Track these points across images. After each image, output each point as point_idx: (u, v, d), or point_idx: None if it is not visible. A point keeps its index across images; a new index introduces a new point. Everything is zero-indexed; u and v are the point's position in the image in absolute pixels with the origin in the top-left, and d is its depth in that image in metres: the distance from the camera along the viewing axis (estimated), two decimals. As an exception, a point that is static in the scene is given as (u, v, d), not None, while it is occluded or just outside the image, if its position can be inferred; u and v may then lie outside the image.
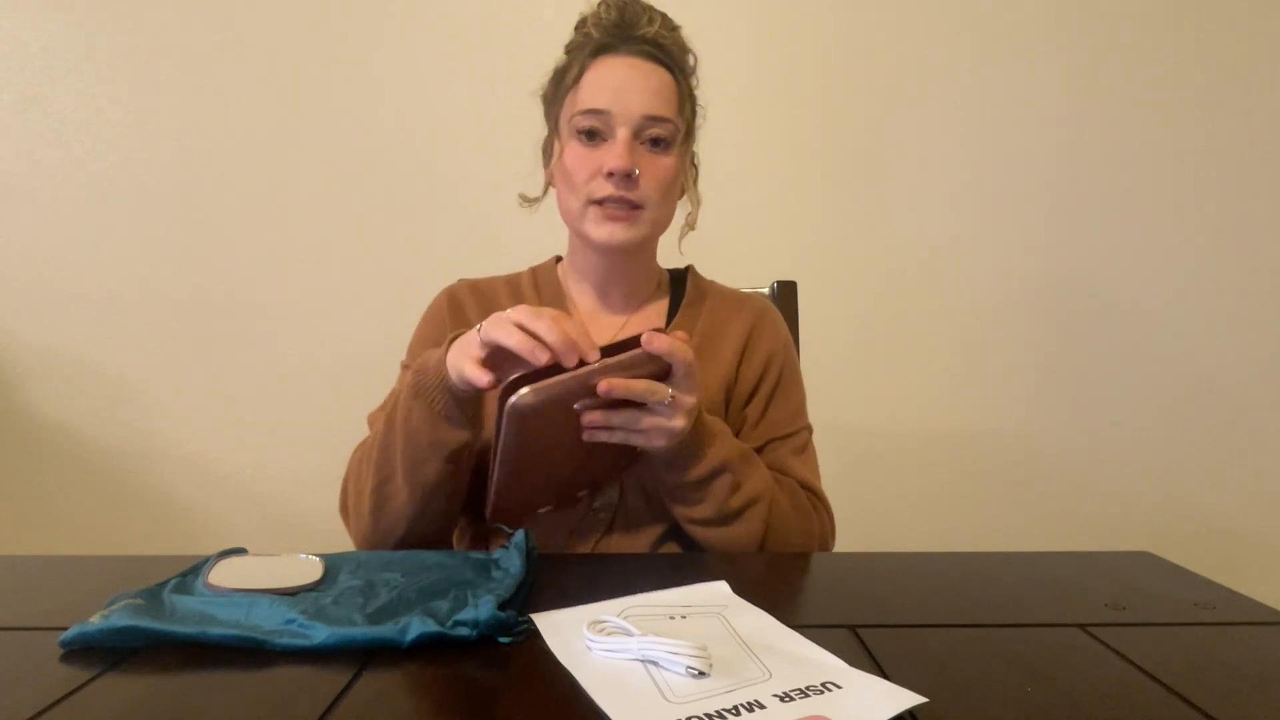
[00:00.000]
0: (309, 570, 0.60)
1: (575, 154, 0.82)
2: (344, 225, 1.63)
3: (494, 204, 0.95)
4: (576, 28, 0.87)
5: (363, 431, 0.88)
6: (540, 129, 0.91)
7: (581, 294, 0.91)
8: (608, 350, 0.65)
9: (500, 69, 1.57)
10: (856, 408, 1.65)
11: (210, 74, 1.60)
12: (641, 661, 0.48)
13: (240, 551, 0.64)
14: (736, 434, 0.83)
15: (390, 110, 1.61)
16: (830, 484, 0.86)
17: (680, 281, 0.95)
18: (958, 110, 1.61)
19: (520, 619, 0.54)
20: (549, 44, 0.89)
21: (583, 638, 0.50)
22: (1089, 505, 1.67)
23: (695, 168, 0.92)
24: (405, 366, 0.89)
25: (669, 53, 0.84)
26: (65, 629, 0.50)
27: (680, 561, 0.71)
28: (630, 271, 0.90)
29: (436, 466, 0.72)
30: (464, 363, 0.66)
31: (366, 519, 0.76)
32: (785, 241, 1.63)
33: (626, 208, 0.81)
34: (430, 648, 0.50)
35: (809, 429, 0.91)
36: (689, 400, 0.68)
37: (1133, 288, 1.64)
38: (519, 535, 0.65)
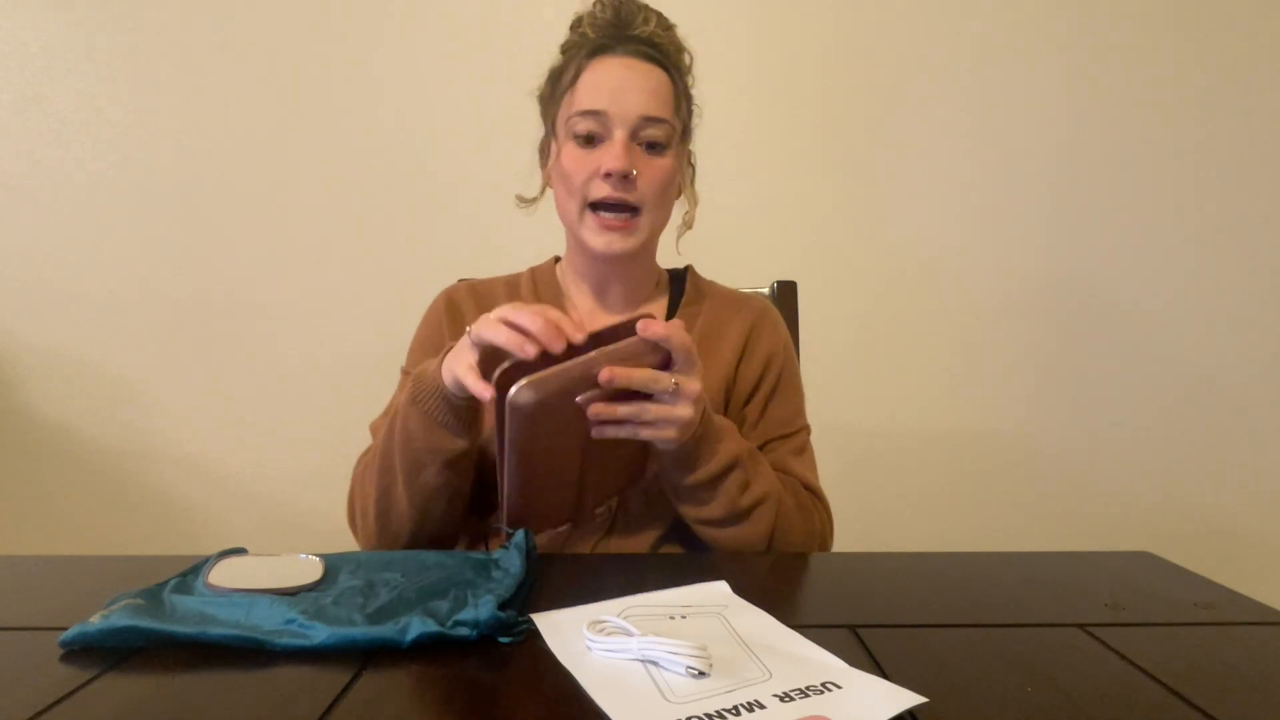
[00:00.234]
0: (309, 570, 0.60)
1: (572, 155, 0.82)
2: (344, 225, 1.63)
3: (494, 204, 0.95)
4: (572, 27, 0.87)
5: (363, 432, 0.88)
6: (539, 129, 0.91)
7: (580, 294, 0.92)
8: (600, 336, 0.65)
9: (500, 69, 1.56)
10: (856, 408, 1.65)
11: (210, 74, 1.60)
12: (641, 661, 0.48)
13: (240, 551, 0.64)
14: None
15: (390, 110, 1.61)
16: (830, 484, 0.86)
17: (679, 281, 0.95)
18: (958, 110, 1.61)
19: (520, 619, 0.54)
20: (549, 44, 0.89)
21: (583, 638, 0.50)
22: (1089, 505, 1.67)
23: (692, 167, 0.92)
24: (405, 372, 0.89)
25: (665, 52, 0.84)
26: (65, 629, 0.50)
27: (680, 561, 0.71)
28: (629, 272, 0.90)
29: (434, 473, 0.73)
30: (460, 369, 0.67)
31: (372, 527, 0.78)
32: (785, 241, 1.63)
33: (624, 215, 0.81)
34: (430, 648, 0.50)
35: (807, 429, 0.91)
36: (693, 386, 0.66)
37: (1133, 288, 1.64)
38: (519, 535, 0.65)
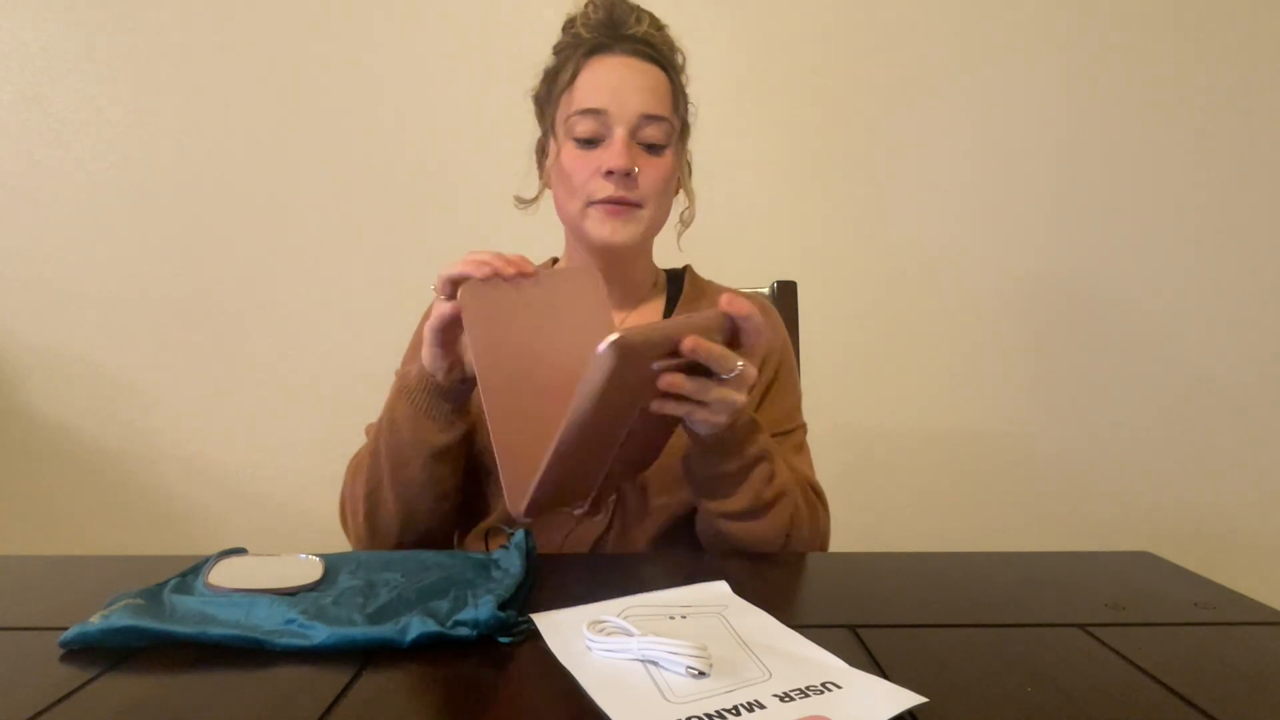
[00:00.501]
0: (309, 570, 0.60)
1: (572, 155, 0.82)
2: (344, 226, 1.63)
3: (494, 205, 0.95)
4: (564, 28, 0.87)
5: (360, 436, 0.88)
6: (538, 130, 0.91)
7: None
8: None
9: (500, 70, 1.56)
10: (856, 408, 1.65)
11: (210, 74, 1.60)
12: (641, 661, 0.48)
13: (240, 551, 0.64)
14: None
15: (390, 111, 1.61)
16: (830, 484, 0.86)
17: (677, 281, 0.95)
18: (958, 110, 1.61)
19: (520, 619, 0.54)
20: (549, 45, 0.89)
21: (583, 638, 0.50)
22: (1089, 505, 1.67)
23: (688, 164, 0.92)
24: (400, 374, 0.89)
25: (661, 51, 0.84)
26: (65, 629, 0.50)
27: (680, 561, 0.71)
28: (627, 271, 0.90)
29: (419, 467, 0.74)
30: (425, 328, 0.69)
31: (362, 527, 0.78)
32: (785, 241, 1.63)
33: (626, 204, 0.81)
34: (430, 648, 0.50)
35: (804, 427, 0.91)
36: (753, 374, 0.65)
37: (1133, 287, 1.64)
38: (519, 535, 0.65)
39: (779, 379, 0.89)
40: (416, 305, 0.94)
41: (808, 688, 0.45)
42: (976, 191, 1.62)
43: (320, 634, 0.50)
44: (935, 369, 1.65)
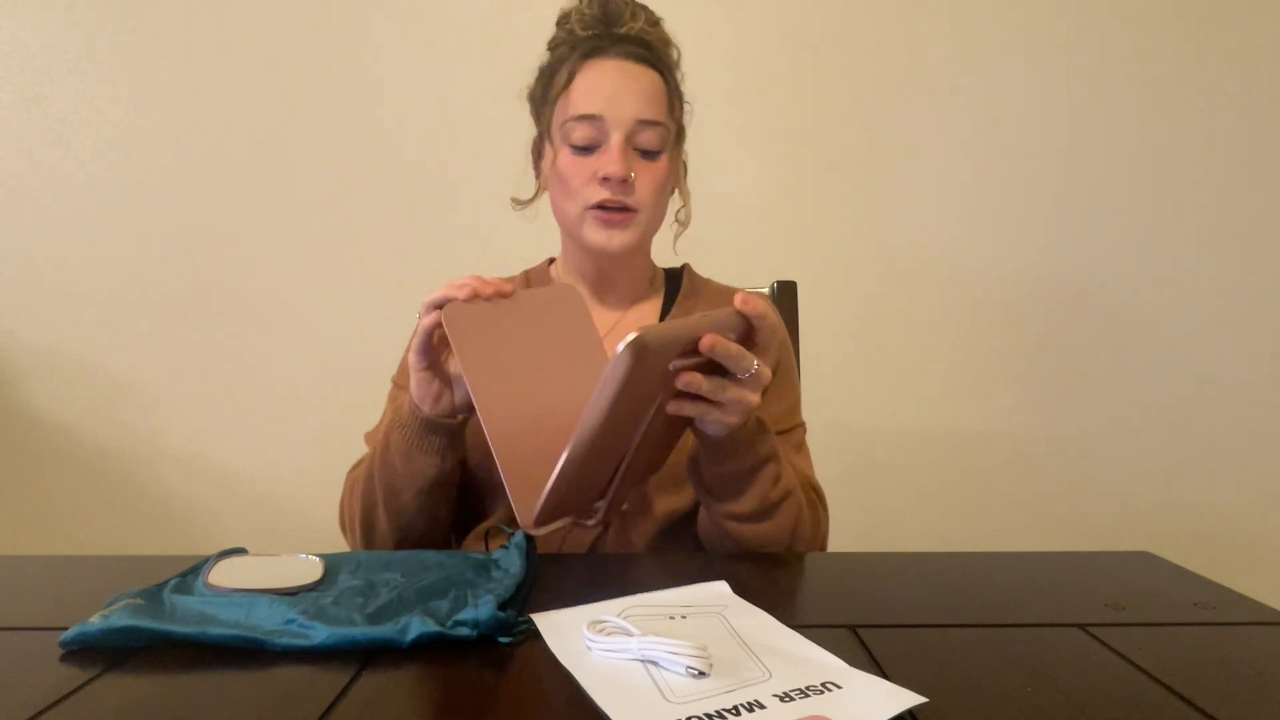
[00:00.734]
0: (309, 570, 0.60)
1: (568, 160, 0.82)
2: (343, 226, 1.63)
3: (494, 205, 0.95)
4: (559, 24, 0.86)
5: (360, 434, 0.88)
6: (535, 130, 0.91)
7: None
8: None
9: (500, 71, 1.55)
10: (856, 408, 1.65)
11: (210, 74, 1.60)
12: (641, 661, 0.48)
13: (240, 551, 0.64)
14: None
15: (390, 111, 1.61)
16: (830, 484, 0.86)
17: (675, 279, 0.96)
18: (958, 110, 1.61)
19: (520, 619, 0.54)
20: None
21: (583, 638, 0.50)
22: (1089, 505, 1.67)
23: (684, 164, 0.92)
24: (395, 383, 0.90)
25: (656, 52, 0.84)
26: (65, 629, 0.50)
27: (680, 561, 0.71)
28: (624, 271, 0.90)
29: (410, 497, 0.75)
30: (409, 355, 0.71)
31: (359, 543, 0.80)
32: (785, 241, 1.63)
33: (622, 210, 0.82)
34: (430, 648, 0.50)
35: (803, 426, 0.91)
36: (768, 374, 0.65)
37: (1133, 287, 1.64)
38: (519, 535, 0.65)
39: (779, 378, 0.89)
40: (416, 305, 0.93)
41: (808, 688, 0.45)
42: (977, 191, 1.62)
43: (320, 634, 0.50)
44: (935, 369, 1.65)
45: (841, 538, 0.87)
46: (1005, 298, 1.64)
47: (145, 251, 1.63)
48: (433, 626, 0.50)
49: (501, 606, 0.53)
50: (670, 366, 0.59)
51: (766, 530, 0.74)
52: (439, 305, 0.67)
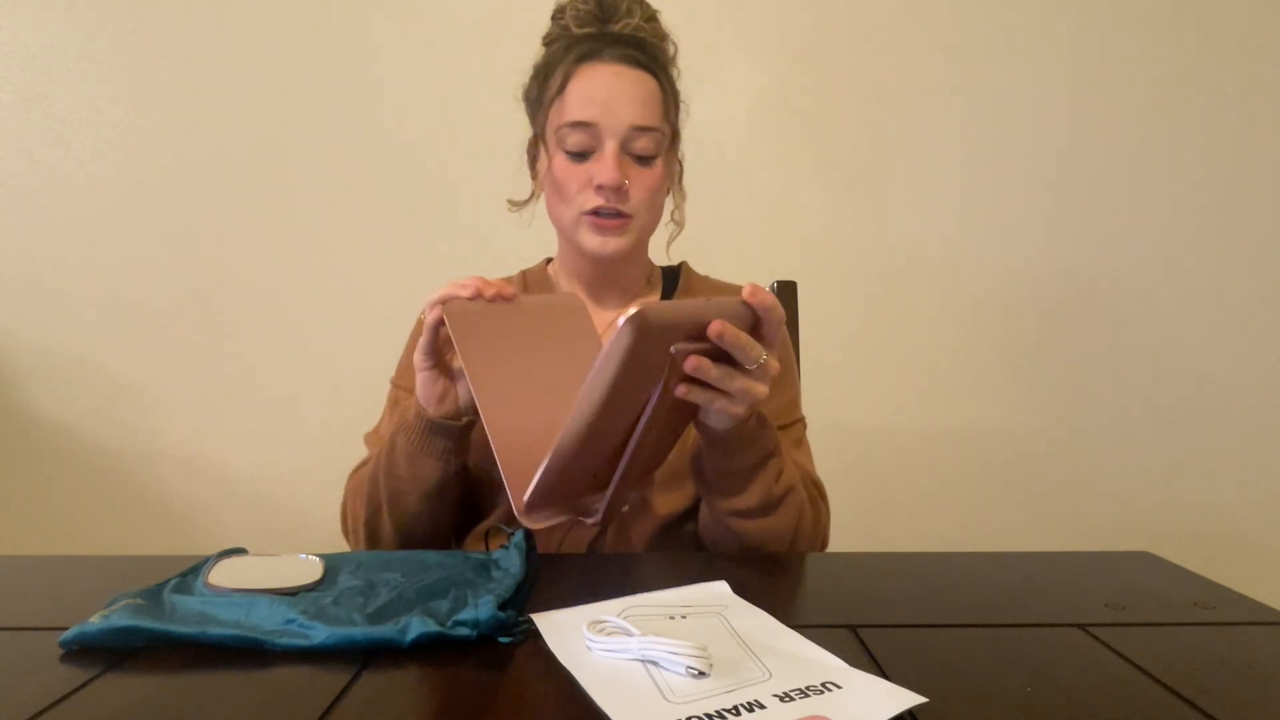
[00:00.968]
0: (309, 570, 0.60)
1: (563, 167, 0.82)
2: (344, 226, 1.63)
3: (493, 205, 0.95)
4: (553, 18, 0.86)
5: (359, 435, 0.88)
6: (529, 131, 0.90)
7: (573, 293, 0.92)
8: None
9: (500, 71, 1.55)
10: (856, 408, 1.65)
11: (210, 74, 1.60)
12: (641, 661, 0.48)
13: (240, 551, 0.64)
14: None
15: (390, 111, 1.61)
16: (830, 484, 0.86)
17: (672, 277, 0.96)
18: (958, 109, 1.61)
19: (520, 619, 0.54)
20: (548, 46, 0.89)
21: (583, 638, 0.50)
22: (1089, 505, 1.67)
23: (680, 164, 0.92)
24: (394, 384, 0.90)
25: (651, 52, 0.84)
26: (65, 629, 0.50)
27: (680, 561, 0.71)
28: (620, 272, 0.90)
29: (414, 501, 0.75)
30: (415, 355, 0.71)
31: (363, 547, 0.81)
32: (785, 241, 1.63)
33: (617, 216, 0.82)
34: (430, 648, 0.50)
35: (803, 422, 0.91)
36: (776, 367, 0.64)
37: (1134, 287, 1.64)
38: (518, 535, 0.65)
39: (780, 372, 0.89)
40: (416, 306, 0.93)
41: (808, 688, 0.45)
42: (977, 191, 1.62)
43: (320, 634, 0.50)
44: (936, 369, 1.65)
45: (841, 538, 0.87)
46: (1005, 297, 1.64)
47: (145, 251, 1.63)
48: (433, 626, 0.50)
49: (501, 606, 0.53)
50: (673, 349, 0.58)
51: (769, 526, 0.74)
52: (443, 303, 0.67)
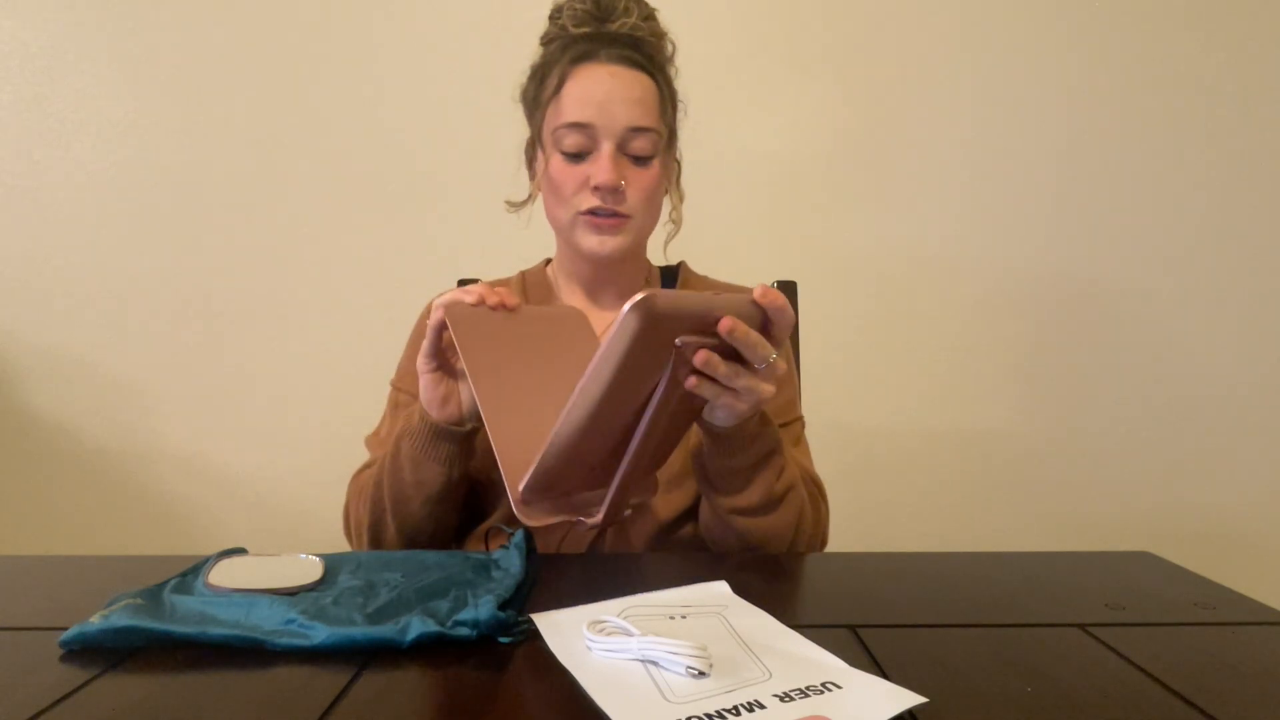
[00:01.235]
0: (309, 570, 0.60)
1: (560, 168, 0.82)
2: (344, 226, 1.63)
3: (493, 205, 0.95)
4: (551, 17, 0.86)
5: (362, 433, 0.88)
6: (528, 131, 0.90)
7: (572, 294, 0.92)
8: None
9: (499, 71, 1.55)
10: (856, 408, 1.65)
11: (210, 74, 1.60)
12: (641, 661, 0.48)
13: (240, 551, 0.64)
14: None
15: (390, 112, 1.61)
16: (830, 484, 0.86)
17: (671, 277, 0.96)
18: (959, 109, 1.61)
19: (520, 619, 0.54)
20: (547, 46, 0.88)
21: (583, 638, 0.50)
22: (1089, 505, 1.67)
23: (678, 164, 0.92)
24: (394, 386, 0.90)
25: (648, 52, 0.83)
26: (65, 629, 0.50)
27: (680, 561, 0.71)
28: (618, 272, 0.90)
29: (420, 503, 0.75)
30: (419, 360, 0.71)
31: (366, 549, 0.80)
32: (785, 241, 1.63)
33: (613, 216, 0.82)
34: (430, 648, 0.50)
35: (802, 420, 0.91)
36: (783, 368, 0.64)
37: (1134, 287, 1.64)
38: (518, 535, 0.65)
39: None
40: (418, 306, 0.94)
41: (808, 688, 0.45)
42: (977, 191, 1.62)
43: (320, 634, 0.50)
44: (936, 369, 1.65)
45: (841, 538, 0.87)
46: (1005, 297, 1.64)
47: (145, 251, 1.63)
48: (433, 626, 0.50)
49: (501, 606, 0.53)
50: (678, 341, 0.57)
51: (771, 524, 0.74)
52: (445, 307, 0.68)
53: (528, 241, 1.03)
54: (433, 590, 0.57)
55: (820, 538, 0.82)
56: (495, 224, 1.02)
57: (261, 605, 0.53)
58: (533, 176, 0.90)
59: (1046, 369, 1.66)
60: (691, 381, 0.60)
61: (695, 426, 0.71)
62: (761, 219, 1.62)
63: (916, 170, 1.62)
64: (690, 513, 0.83)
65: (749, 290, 0.61)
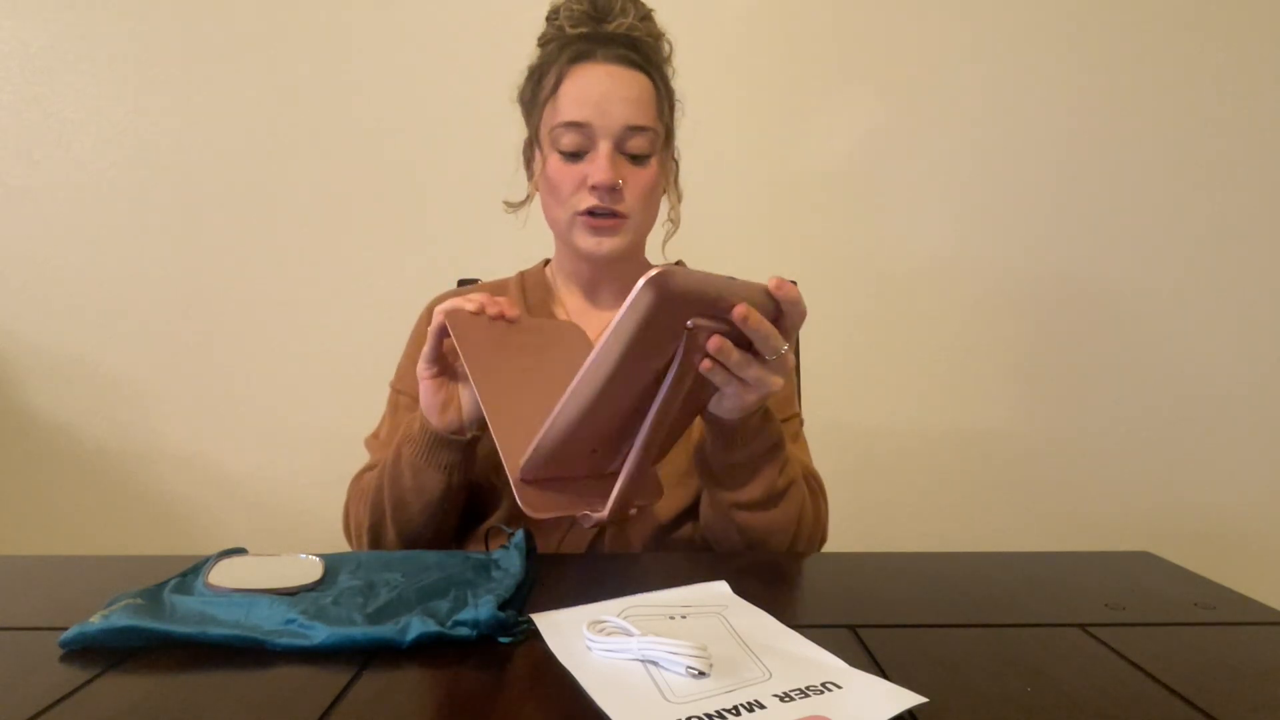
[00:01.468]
0: (309, 570, 0.60)
1: (557, 167, 0.82)
2: (344, 226, 1.63)
3: (493, 205, 0.96)
4: (548, 19, 0.86)
5: (362, 433, 0.88)
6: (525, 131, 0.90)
7: (570, 295, 0.92)
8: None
9: (499, 71, 1.56)
10: (856, 408, 1.65)
11: (210, 74, 1.60)
12: (641, 661, 0.48)
13: (240, 551, 0.64)
14: None
15: (391, 111, 1.61)
16: (830, 484, 0.86)
17: None
18: (959, 109, 1.61)
19: (520, 619, 0.54)
20: (546, 46, 0.88)
21: (583, 638, 0.50)
22: (1089, 505, 1.67)
23: (676, 163, 0.92)
24: (393, 388, 0.90)
25: (645, 52, 0.84)
26: (65, 629, 0.50)
27: (680, 561, 0.71)
28: (618, 272, 0.90)
29: (420, 509, 0.76)
30: (419, 366, 0.71)
31: (366, 550, 0.81)
32: (785, 241, 1.63)
33: (611, 216, 0.82)
34: (430, 648, 0.50)
35: (800, 417, 0.91)
36: (791, 361, 0.65)
37: (1134, 287, 1.64)
38: (518, 535, 0.65)
39: None
40: (418, 306, 0.94)
41: (808, 688, 0.45)
42: (977, 191, 1.62)
43: (320, 634, 0.50)
44: (935, 369, 1.65)
45: (841, 538, 0.87)
46: (1005, 298, 1.64)
47: (145, 251, 1.63)
48: (433, 626, 0.50)
49: (501, 606, 0.53)
50: (689, 324, 0.57)
51: (773, 519, 0.74)
52: (438, 319, 0.68)
53: (526, 242, 1.03)
54: (433, 590, 0.57)
55: (820, 534, 0.82)
56: (494, 224, 1.02)
57: (261, 605, 0.53)
58: (531, 177, 0.90)
59: (1046, 369, 1.66)
60: (706, 364, 0.60)
61: (697, 422, 0.72)
62: (761, 219, 1.62)
63: (916, 170, 1.62)
64: (690, 512, 0.83)
65: (760, 281, 0.61)
